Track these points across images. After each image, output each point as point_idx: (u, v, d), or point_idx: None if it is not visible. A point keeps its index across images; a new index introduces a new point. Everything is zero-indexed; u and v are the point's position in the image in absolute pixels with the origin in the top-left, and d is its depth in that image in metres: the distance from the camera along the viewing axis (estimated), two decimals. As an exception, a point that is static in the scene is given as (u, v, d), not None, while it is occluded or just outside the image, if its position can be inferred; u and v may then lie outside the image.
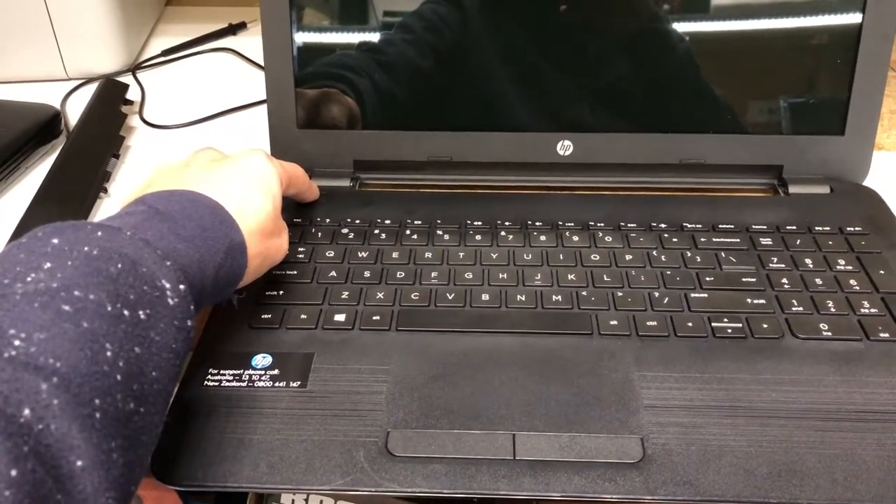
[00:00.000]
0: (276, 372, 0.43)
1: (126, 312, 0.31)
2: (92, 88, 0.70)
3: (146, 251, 0.34)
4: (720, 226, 0.53)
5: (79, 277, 0.31)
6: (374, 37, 0.57)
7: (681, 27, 0.55)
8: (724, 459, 0.38)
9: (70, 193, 0.57)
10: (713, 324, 0.46)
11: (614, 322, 0.46)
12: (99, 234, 0.33)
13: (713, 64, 0.57)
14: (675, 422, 0.40)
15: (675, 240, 0.52)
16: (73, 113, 0.69)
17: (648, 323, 0.46)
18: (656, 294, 0.48)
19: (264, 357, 0.44)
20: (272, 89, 0.58)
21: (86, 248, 0.32)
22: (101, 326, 0.30)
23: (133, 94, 0.72)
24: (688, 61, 0.56)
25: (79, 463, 0.27)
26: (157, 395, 0.32)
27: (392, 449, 0.39)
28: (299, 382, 0.42)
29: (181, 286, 0.34)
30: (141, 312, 0.32)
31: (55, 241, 0.32)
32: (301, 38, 0.57)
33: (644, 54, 0.56)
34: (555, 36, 0.56)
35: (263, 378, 0.43)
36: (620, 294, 0.48)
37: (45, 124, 0.64)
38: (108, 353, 0.30)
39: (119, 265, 0.32)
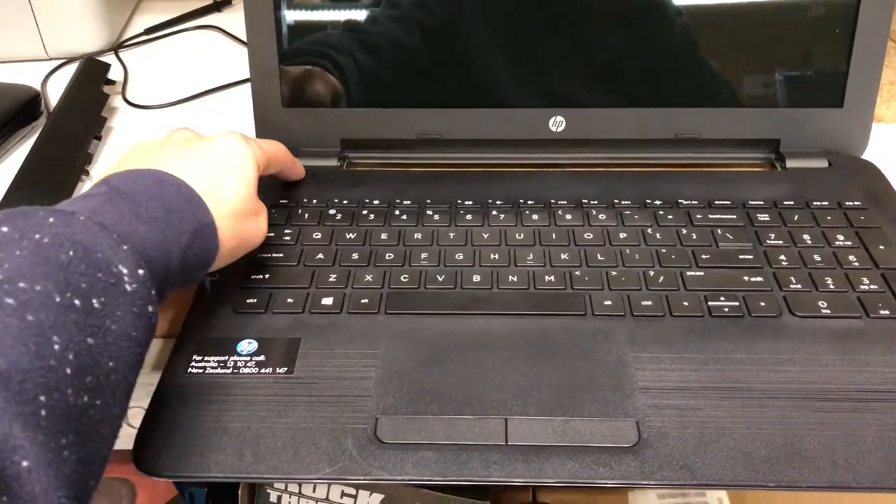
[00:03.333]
0: (261, 358, 0.42)
1: (77, 302, 0.30)
2: (73, 68, 0.68)
3: (101, 235, 0.33)
4: (716, 202, 0.52)
5: (26, 268, 0.29)
6: (361, 13, 0.55)
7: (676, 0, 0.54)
8: (721, 442, 0.37)
9: (50, 176, 0.55)
10: (709, 303, 0.44)
11: (608, 302, 0.45)
12: (51, 220, 0.32)
13: (709, 36, 0.55)
14: (671, 404, 0.39)
15: (670, 217, 0.51)
16: (54, 94, 0.67)
17: (643, 302, 0.45)
18: (651, 273, 0.47)
19: (249, 343, 0.43)
20: (256, 67, 0.56)
21: (36, 236, 0.31)
22: (48, 318, 0.28)
23: (115, 73, 0.70)
24: (683, 34, 0.55)
25: (24, 463, 0.25)
26: (115, 386, 0.31)
27: (381, 436, 0.38)
28: (286, 368, 0.41)
29: (140, 271, 0.33)
30: (95, 301, 0.31)
31: (4, 229, 0.31)
32: (285, 14, 0.55)
33: (638, 28, 0.55)
34: (547, 10, 0.54)
35: (249, 364, 0.41)
36: (614, 273, 0.47)
37: (25, 105, 0.62)
38: (56, 346, 0.28)
39: (71, 252, 0.31)
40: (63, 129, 0.60)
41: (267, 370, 0.41)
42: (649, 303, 0.44)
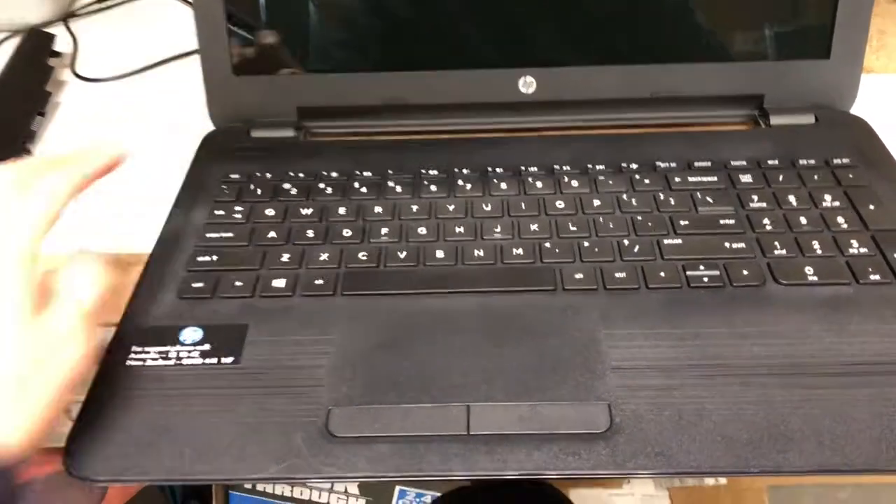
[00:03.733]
0: (206, 347, 0.39)
1: None
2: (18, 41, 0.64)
3: None
4: (696, 163, 0.49)
5: None
6: (316, -29, 0.52)
7: (649, -54, 0.50)
8: (700, 426, 0.34)
9: (-13, 157, 0.52)
10: (688, 272, 0.41)
11: (580, 275, 0.42)
12: None
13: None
14: (646, 385, 0.36)
15: (646, 181, 0.48)
16: (-2, 68, 0.63)
17: (617, 275, 0.42)
18: (626, 242, 0.44)
19: (194, 330, 0.40)
20: (203, 33, 0.52)
21: None
22: None
23: (64, 45, 0.66)
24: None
25: None
26: None
27: (333, 429, 0.35)
28: (232, 358, 0.38)
29: None
30: None
31: None
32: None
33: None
34: (510, -39, 0.51)
35: (192, 354, 0.38)
36: (587, 244, 0.43)
37: (-37, 82, 0.59)
38: None
39: None
40: (3, 106, 0.56)
41: (212, 360, 0.38)
42: (623, 275, 0.41)
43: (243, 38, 0.52)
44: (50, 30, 0.67)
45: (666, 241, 0.43)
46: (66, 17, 0.71)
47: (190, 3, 0.72)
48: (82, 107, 0.61)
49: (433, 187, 0.48)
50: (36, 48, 0.62)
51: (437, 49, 0.52)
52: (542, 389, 0.36)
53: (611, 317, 0.39)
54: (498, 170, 0.49)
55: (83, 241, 0.47)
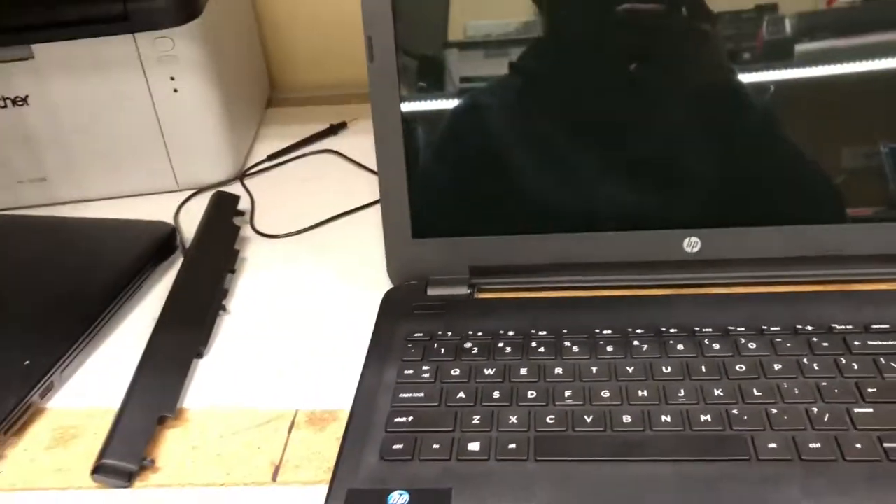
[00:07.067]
0: (414, 511, 0.41)
1: None
2: (202, 199, 0.71)
3: None
4: (873, 326, 0.49)
5: None
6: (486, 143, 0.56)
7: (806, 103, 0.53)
8: None
9: (191, 315, 0.57)
10: (885, 444, 0.41)
11: (773, 445, 0.42)
12: None
13: (845, 146, 0.54)
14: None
15: (825, 344, 0.48)
16: (186, 225, 0.70)
17: (811, 445, 0.42)
18: (815, 410, 0.44)
19: (401, 495, 0.42)
20: (387, 203, 0.57)
21: None
22: None
23: (242, 202, 0.72)
24: (816, 145, 0.54)
25: None
26: None
27: None
28: (439, 523, 0.40)
29: None
30: None
31: None
32: (414, 143, 0.56)
33: (768, 141, 0.54)
34: (678, 130, 0.54)
35: (401, 519, 0.40)
36: (775, 411, 0.44)
37: (163, 242, 0.65)
38: None
39: None
40: (199, 267, 0.62)
41: (420, 525, 0.40)
42: (818, 445, 0.42)
43: (422, 205, 0.56)
44: (227, 188, 0.74)
45: (856, 410, 0.43)
46: (242, 175, 0.79)
47: (353, 160, 0.78)
48: (265, 263, 0.66)
49: (609, 347, 0.50)
50: (223, 210, 0.68)
51: (602, 212, 0.55)
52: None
53: (813, 491, 0.39)
54: (671, 330, 0.51)
55: (274, 397, 0.51)
